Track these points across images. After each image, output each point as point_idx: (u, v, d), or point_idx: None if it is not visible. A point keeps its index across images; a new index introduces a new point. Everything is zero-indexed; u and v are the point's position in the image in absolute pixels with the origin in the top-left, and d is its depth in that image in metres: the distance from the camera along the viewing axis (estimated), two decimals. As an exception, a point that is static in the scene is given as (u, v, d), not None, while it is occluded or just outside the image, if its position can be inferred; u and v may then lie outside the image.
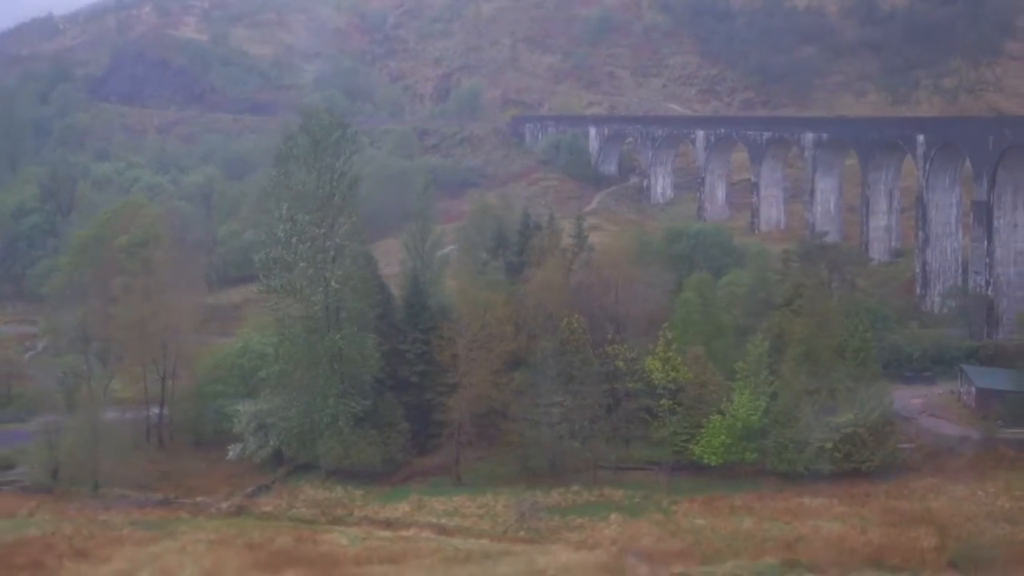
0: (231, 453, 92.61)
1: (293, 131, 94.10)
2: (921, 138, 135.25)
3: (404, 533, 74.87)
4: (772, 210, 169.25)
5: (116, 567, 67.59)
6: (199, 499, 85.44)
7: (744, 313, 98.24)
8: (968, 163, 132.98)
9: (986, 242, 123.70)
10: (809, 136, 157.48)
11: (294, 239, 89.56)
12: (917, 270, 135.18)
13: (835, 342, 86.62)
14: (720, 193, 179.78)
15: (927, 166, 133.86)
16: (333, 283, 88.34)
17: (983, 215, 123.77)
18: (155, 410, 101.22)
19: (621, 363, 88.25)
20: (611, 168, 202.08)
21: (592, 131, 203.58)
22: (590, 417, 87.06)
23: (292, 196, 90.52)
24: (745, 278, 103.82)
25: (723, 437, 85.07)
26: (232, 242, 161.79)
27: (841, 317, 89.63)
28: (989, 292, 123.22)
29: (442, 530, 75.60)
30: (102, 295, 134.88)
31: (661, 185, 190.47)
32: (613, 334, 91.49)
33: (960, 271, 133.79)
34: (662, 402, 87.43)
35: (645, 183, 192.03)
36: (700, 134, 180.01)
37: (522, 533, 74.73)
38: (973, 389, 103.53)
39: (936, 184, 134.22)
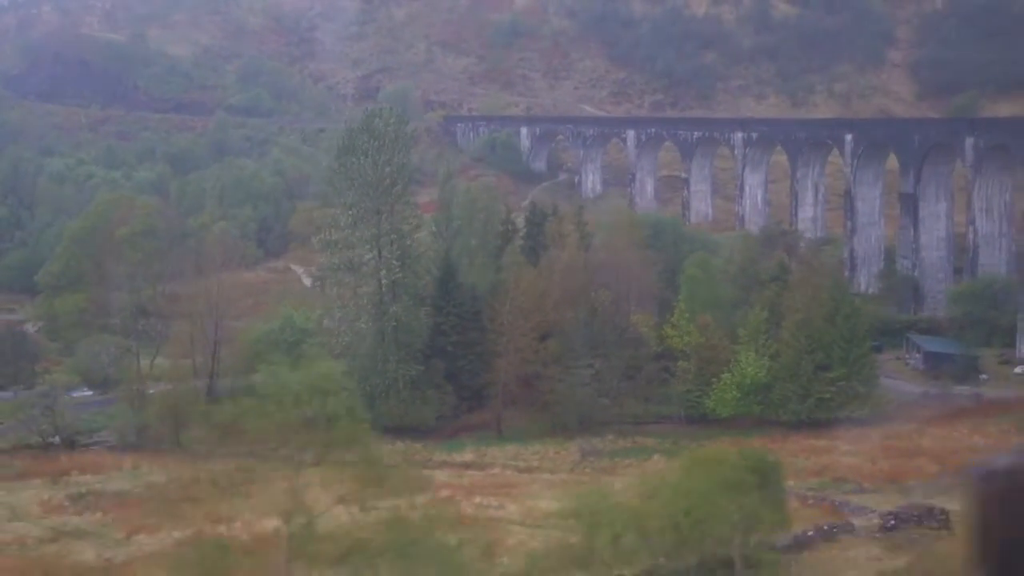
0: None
1: (354, 127, 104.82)
2: (849, 137, 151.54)
3: (491, 471, 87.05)
4: (701, 204, 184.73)
5: (266, 500, 78.28)
6: (283, 451, 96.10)
7: (735, 287, 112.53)
8: (886, 161, 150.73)
9: (912, 230, 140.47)
10: (739, 135, 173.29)
11: (360, 224, 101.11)
12: (845, 255, 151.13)
13: (826, 310, 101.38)
14: (649, 188, 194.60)
15: (855, 162, 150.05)
16: (393, 262, 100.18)
17: (910, 206, 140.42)
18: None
19: (645, 329, 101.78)
20: (541, 165, 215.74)
21: (524, 130, 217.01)
22: (618, 377, 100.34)
23: (356, 185, 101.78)
24: (737, 258, 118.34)
25: (733, 392, 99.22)
26: (202, 234, 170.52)
27: (829, 289, 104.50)
28: (915, 274, 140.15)
29: (519, 469, 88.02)
30: (102, 283, 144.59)
31: (591, 181, 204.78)
32: (635, 305, 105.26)
33: (883, 256, 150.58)
34: (680, 363, 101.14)
35: (576, 179, 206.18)
36: (631, 133, 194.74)
37: (587, 470, 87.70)
38: (919, 354, 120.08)
39: (862, 179, 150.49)
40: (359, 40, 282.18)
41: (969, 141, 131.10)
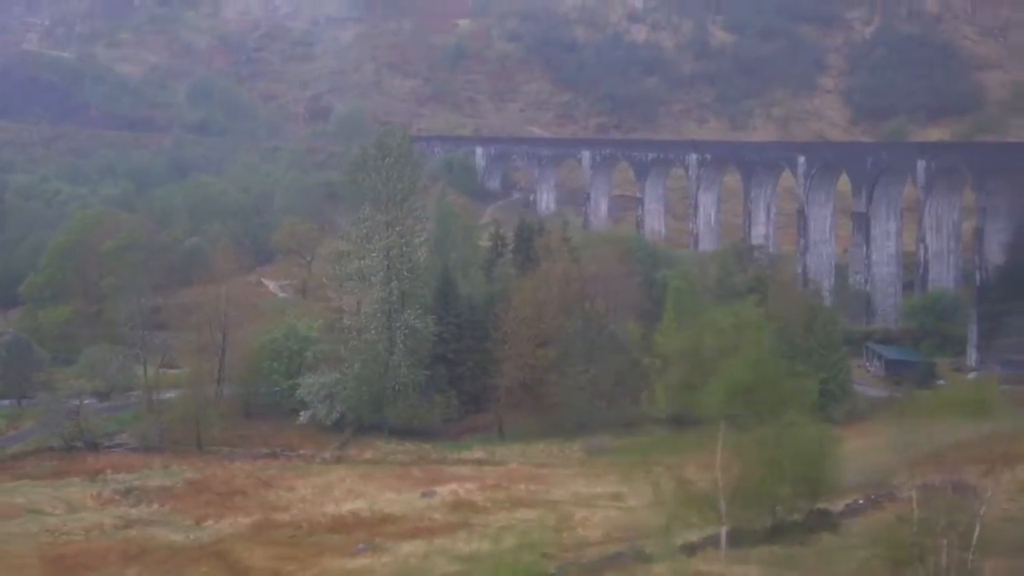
0: (302, 418, 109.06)
1: (367, 146, 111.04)
2: (802, 159, 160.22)
3: (507, 467, 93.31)
4: (655, 222, 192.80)
5: (308, 492, 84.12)
6: (301, 451, 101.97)
7: (713, 299, 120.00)
8: (837, 182, 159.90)
9: (865, 247, 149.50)
10: (693, 157, 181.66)
11: (375, 236, 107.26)
12: (799, 271, 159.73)
13: (803, 319, 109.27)
14: (603, 206, 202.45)
15: (807, 183, 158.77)
16: (405, 272, 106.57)
17: (862, 225, 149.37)
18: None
19: (637, 336, 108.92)
20: (495, 184, 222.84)
21: (479, 151, 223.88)
22: (611, 381, 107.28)
23: (369, 200, 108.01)
24: (713, 271, 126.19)
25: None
26: (175, 247, 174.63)
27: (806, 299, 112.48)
28: (867, 288, 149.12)
29: (532, 465, 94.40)
30: (86, 295, 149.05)
31: (545, 199, 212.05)
32: (618, 315, 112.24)
33: (833, 272, 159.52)
34: (670, 368, 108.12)
35: (532, 197, 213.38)
36: (586, 154, 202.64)
37: (597, 465, 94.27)
38: (878, 362, 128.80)
39: (815, 199, 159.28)
40: (307, 61, 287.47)
41: (921, 164, 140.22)
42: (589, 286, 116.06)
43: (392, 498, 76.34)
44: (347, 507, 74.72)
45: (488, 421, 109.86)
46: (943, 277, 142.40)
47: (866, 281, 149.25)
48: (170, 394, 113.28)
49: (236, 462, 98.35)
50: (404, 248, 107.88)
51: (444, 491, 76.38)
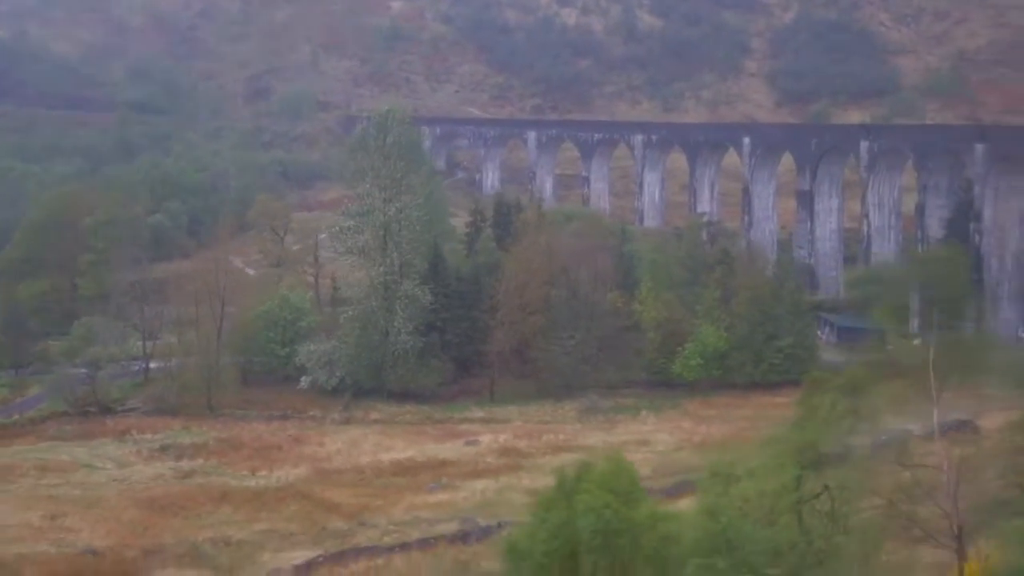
0: (303, 383, 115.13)
1: (367, 126, 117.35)
2: (747, 140, 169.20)
3: (513, 424, 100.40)
4: (600, 201, 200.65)
5: (338, 446, 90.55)
6: (310, 414, 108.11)
7: (684, 270, 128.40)
8: (780, 162, 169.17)
9: (809, 223, 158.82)
10: (639, 137, 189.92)
11: (375, 212, 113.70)
12: (744, 247, 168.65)
13: (772, 287, 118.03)
14: (548, 186, 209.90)
15: (752, 163, 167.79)
16: (404, 244, 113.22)
17: (807, 202, 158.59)
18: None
19: (620, 304, 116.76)
20: (441, 164, 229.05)
21: (425, 130, 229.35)
22: (595, 347, 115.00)
23: (369, 177, 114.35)
24: (684, 246, 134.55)
25: (696, 359, 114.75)
26: (137, 224, 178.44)
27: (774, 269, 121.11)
28: (811, 262, 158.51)
29: (535, 423, 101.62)
30: (65, 269, 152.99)
31: (490, 179, 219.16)
32: (594, 285, 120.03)
33: (776, 247, 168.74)
34: (649, 335, 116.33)
35: (477, 176, 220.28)
36: (532, 134, 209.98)
37: (593, 422, 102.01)
38: (830, 329, 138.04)
39: (759, 178, 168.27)
40: (242, 41, 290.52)
41: (864, 144, 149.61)
42: (569, 258, 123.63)
43: (438, 446, 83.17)
44: (401, 455, 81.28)
45: (479, 385, 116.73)
46: (885, 250, 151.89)
47: (809, 255, 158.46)
48: (159, 364, 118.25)
49: (251, 424, 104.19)
50: (403, 221, 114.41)
51: (485, 440, 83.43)
